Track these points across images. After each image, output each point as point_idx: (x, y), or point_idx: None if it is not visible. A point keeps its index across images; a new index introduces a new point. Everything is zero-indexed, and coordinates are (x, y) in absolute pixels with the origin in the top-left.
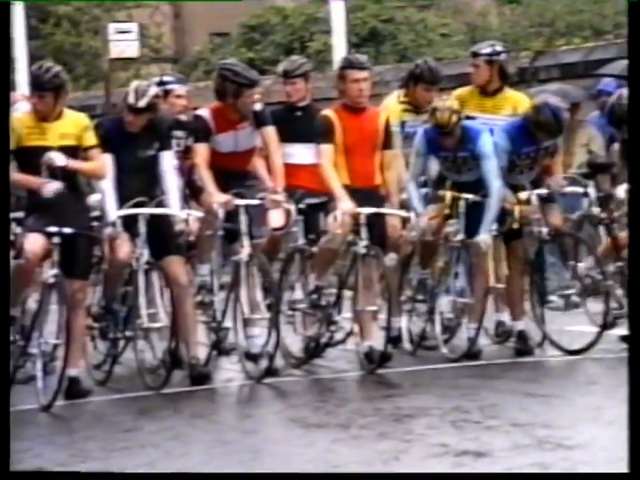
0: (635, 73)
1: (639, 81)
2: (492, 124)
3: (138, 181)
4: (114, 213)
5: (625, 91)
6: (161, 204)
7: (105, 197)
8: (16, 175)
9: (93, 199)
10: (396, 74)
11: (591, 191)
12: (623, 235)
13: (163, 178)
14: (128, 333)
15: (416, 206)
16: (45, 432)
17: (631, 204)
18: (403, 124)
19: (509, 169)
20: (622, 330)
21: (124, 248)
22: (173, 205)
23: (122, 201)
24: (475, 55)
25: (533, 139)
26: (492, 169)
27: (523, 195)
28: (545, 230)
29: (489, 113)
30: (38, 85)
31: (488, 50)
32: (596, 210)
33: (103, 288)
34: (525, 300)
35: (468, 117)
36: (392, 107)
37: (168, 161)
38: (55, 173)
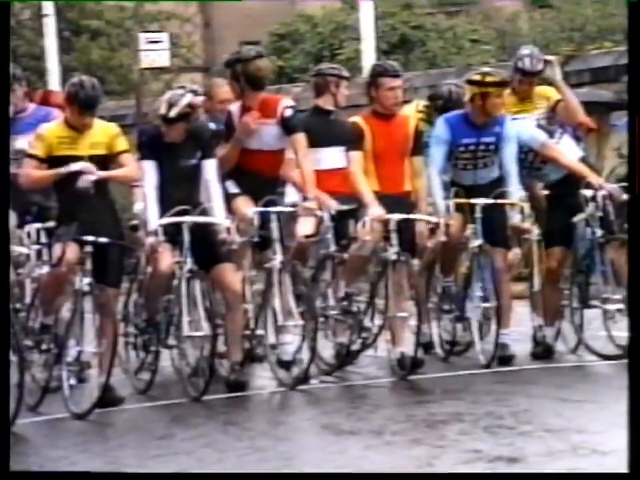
0: (635, 73)
1: (639, 81)
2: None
3: (181, 190)
4: (155, 221)
5: None
6: (204, 212)
7: (146, 205)
8: (43, 172)
9: (136, 207)
10: (425, 80)
11: None
12: None
13: (207, 186)
14: (170, 342)
15: (435, 192)
16: (79, 440)
17: (630, 206)
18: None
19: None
20: None
21: (165, 259)
22: (218, 214)
23: (164, 210)
24: None
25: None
26: (512, 155)
27: (588, 193)
28: (599, 232)
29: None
30: (88, 104)
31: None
32: None
33: (145, 300)
34: (564, 303)
35: None
36: (410, 115)
37: (211, 169)
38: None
